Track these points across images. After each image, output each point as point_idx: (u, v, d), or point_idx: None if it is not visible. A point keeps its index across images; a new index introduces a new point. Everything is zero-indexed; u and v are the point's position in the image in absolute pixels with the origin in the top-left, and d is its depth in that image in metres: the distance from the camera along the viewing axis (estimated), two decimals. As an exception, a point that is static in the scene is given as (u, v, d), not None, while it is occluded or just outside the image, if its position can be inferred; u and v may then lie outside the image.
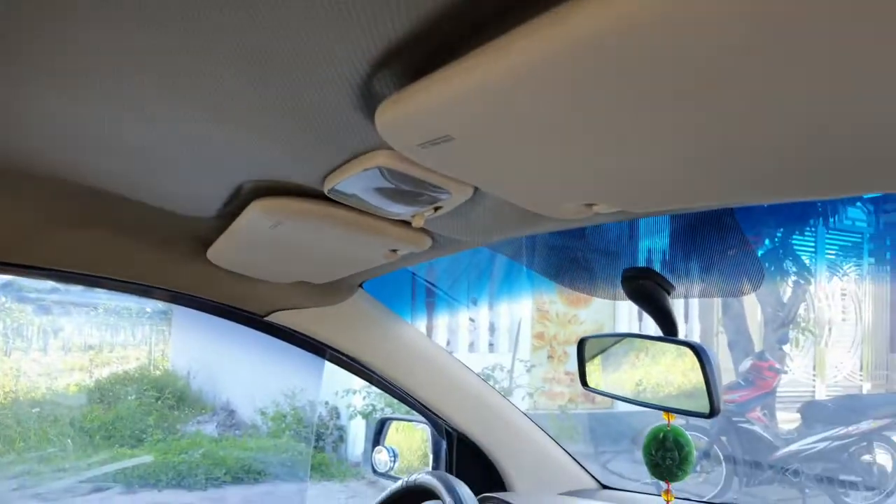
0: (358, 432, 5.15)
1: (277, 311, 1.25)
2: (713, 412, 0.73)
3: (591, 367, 0.91)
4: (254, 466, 4.55)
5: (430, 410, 1.40)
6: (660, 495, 1.17)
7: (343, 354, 1.33)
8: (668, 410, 0.77)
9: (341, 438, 5.32)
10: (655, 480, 0.80)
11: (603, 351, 0.91)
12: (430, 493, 1.07)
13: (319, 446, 5.28)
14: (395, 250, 0.91)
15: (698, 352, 0.76)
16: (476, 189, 0.66)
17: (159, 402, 5.74)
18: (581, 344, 0.92)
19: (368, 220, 0.81)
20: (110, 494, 4.05)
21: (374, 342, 1.36)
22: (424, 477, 1.09)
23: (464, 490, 1.01)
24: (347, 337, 1.32)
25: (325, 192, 0.73)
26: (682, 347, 0.76)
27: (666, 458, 0.75)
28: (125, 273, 1.12)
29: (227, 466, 4.45)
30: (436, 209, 0.71)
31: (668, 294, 0.77)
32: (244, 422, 5.80)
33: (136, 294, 1.22)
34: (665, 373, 0.82)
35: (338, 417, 5.37)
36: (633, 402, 0.90)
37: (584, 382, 0.92)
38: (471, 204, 0.71)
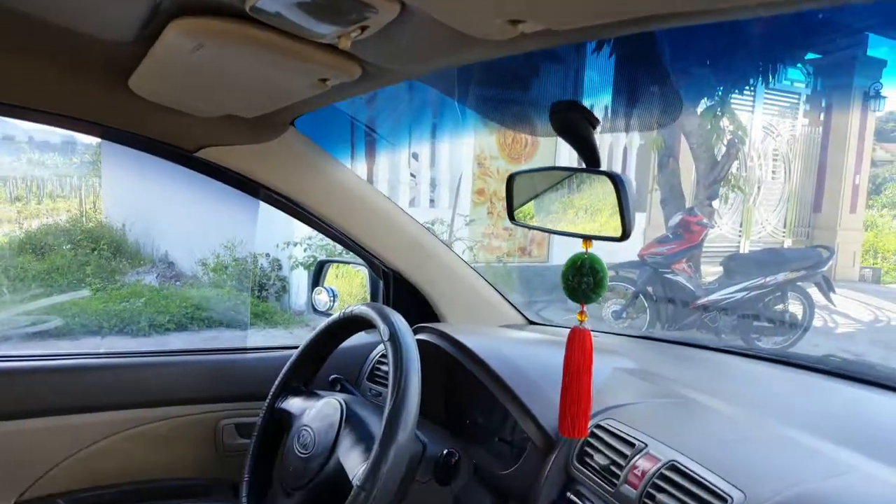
0: (300, 283, 5.24)
1: (207, 146, 1.22)
2: (624, 235, 0.77)
3: (518, 202, 0.94)
4: (197, 315, 4.62)
5: (365, 250, 1.43)
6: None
7: (276, 194, 1.32)
8: (584, 237, 0.81)
9: (284, 289, 5.41)
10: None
11: (530, 186, 0.93)
12: (366, 323, 1.11)
13: (263, 296, 5.38)
14: (324, 80, 0.88)
15: (616, 180, 0.78)
16: (403, 7, 0.64)
17: (95, 252, 5.65)
18: (510, 180, 0.94)
19: (295, 45, 0.77)
20: (51, 337, 4.07)
21: (307, 181, 1.35)
22: (360, 307, 1.13)
23: (397, 318, 1.05)
24: (280, 176, 1.31)
25: (247, 9, 0.69)
26: (601, 177, 0.79)
27: (582, 282, 0.79)
28: (40, 101, 1.06)
29: (171, 314, 4.50)
30: (362, 29, 0.69)
31: (593, 127, 0.78)
32: (185, 273, 5.81)
33: (58, 126, 1.16)
34: (585, 203, 0.86)
35: (280, 269, 5.43)
36: (554, 233, 0.94)
37: (511, 217, 0.95)
38: (399, 25, 0.68)
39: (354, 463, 0.97)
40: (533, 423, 1.00)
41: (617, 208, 0.77)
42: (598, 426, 0.95)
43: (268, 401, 1.21)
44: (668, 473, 0.80)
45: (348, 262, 1.69)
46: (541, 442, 1.00)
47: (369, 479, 0.89)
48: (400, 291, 1.48)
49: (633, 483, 0.83)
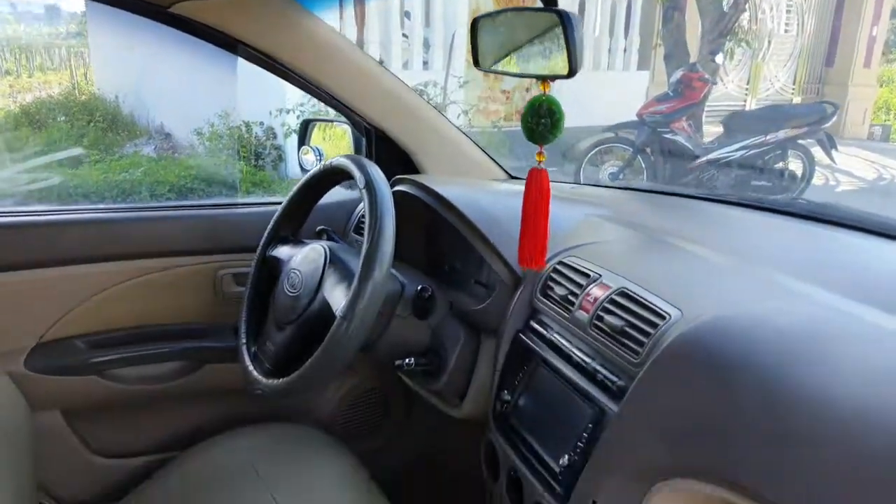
0: (295, 150, 5.25)
1: (181, 0, 1.22)
2: (570, 73, 0.80)
3: (483, 47, 0.95)
4: (196, 185, 4.67)
5: (347, 107, 1.45)
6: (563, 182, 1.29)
7: (254, 49, 1.33)
8: (536, 77, 0.83)
9: (280, 157, 5.43)
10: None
11: (493, 30, 0.94)
12: (345, 174, 1.17)
13: (259, 165, 5.40)
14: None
15: (562, 17, 0.80)
16: None
17: (91, 125, 5.63)
18: (474, 24, 0.94)
19: None
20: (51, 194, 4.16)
21: (287, 37, 1.35)
22: (339, 159, 1.18)
23: (373, 167, 1.10)
24: (256, 30, 1.31)
25: None
26: (552, 16, 0.80)
27: (539, 124, 0.83)
28: None
29: (171, 184, 4.56)
30: None
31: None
32: (181, 144, 5.81)
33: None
34: (539, 43, 0.87)
35: (274, 137, 5.42)
36: (512, 75, 0.97)
37: (476, 63, 0.96)
38: None
39: (337, 298, 1.05)
40: (501, 262, 1.08)
41: (564, 46, 0.79)
42: (561, 262, 1.02)
43: (259, 249, 1.29)
44: (616, 298, 0.88)
45: (332, 121, 1.71)
46: (508, 279, 1.09)
47: (349, 311, 0.98)
48: (382, 148, 1.52)
49: (586, 308, 0.91)
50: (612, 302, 0.88)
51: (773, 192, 5.56)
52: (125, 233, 1.38)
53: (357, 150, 1.60)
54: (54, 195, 4.13)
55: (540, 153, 0.87)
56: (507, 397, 1.02)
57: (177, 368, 1.45)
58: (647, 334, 0.80)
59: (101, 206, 1.40)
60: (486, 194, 1.27)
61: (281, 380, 1.07)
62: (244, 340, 1.24)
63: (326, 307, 1.07)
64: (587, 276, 0.95)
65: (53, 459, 1.37)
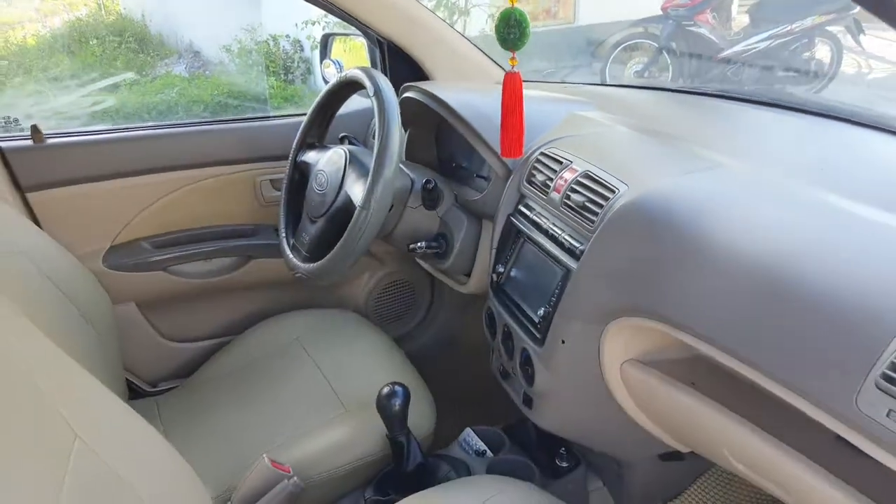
0: (322, 63, 5.33)
1: None
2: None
3: None
4: (230, 103, 4.85)
5: (359, 21, 1.60)
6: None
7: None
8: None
9: (308, 70, 5.53)
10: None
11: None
12: (358, 84, 1.34)
13: (289, 79, 5.53)
14: None
15: None
16: None
17: (122, 46, 5.78)
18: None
19: None
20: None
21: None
22: (352, 71, 1.35)
23: (381, 77, 1.27)
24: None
25: None
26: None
27: (510, 33, 0.98)
28: None
29: (205, 103, 4.75)
30: None
31: None
32: (211, 61, 5.94)
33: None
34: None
35: (301, 50, 5.51)
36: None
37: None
38: None
39: (357, 193, 1.26)
40: (494, 156, 1.26)
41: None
42: (542, 153, 1.20)
43: (290, 156, 1.49)
44: (581, 179, 1.06)
45: (349, 34, 1.86)
46: (501, 171, 1.27)
47: (366, 202, 1.18)
48: (394, 59, 1.68)
49: (559, 189, 1.10)
50: (578, 183, 1.06)
51: (799, 83, 5.48)
52: (174, 147, 1.60)
53: (372, 61, 1.76)
54: (109, 117, 4.37)
55: (512, 58, 1.03)
56: (501, 270, 1.23)
57: (229, 264, 1.69)
58: (601, 206, 0.99)
59: (150, 124, 1.61)
60: (483, 96, 1.43)
61: (315, 263, 1.29)
62: (283, 234, 1.46)
63: (349, 201, 1.28)
64: (560, 162, 1.13)
65: (132, 344, 1.64)
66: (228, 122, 1.67)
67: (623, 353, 1.01)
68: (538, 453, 1.32)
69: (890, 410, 0.64)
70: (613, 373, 1.03)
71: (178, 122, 1.68)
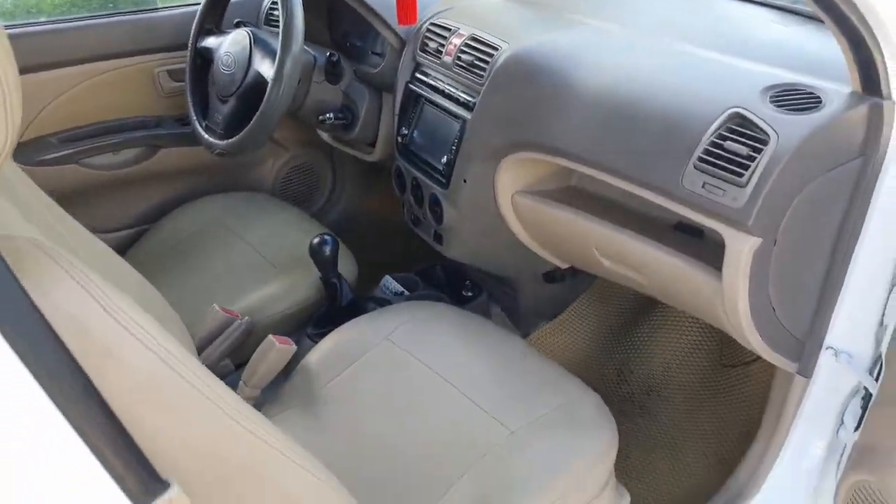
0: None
1: None
2: None
3: None
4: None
5: None
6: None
7: None
8: None
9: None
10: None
11: None
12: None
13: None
14: None
15: None
16: None
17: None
18: None
19: None
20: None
21: None
22: None
23: None
24: None
25: None
26: None
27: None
28: None
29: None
30: None
31: None
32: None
33: None
34: None
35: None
36: None
37: None
38: None
39: (266, 69, 1.37)
40: (388, 29, 1.41)
41: None
42: (433, 23, 1.36)
43: (190, 43, 1.56)
44: (469, 42, 1.25)
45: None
46: (396, 43, 1.43)
47: (278, 75, 1.31)
48: None
49: (450, 53, 1.28)
50: (466, 45, 1.25)
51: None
52: (69, 42, 1.61)
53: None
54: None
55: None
56: (405, 132, 1.41)
57: (137, 155, 1.76)
58: (487, 62, 1.18)
59: (44, 19, 1.61)
60: None
61: (234, 138, 1.41)
62: (194, 117, 1.55)
63: (259, 77, 1.39)
64: (449, 30, 1.31)
65: None
66: (120, 14, 1.69)
67: (513, 186, 1.24)
68: (447, 289, 1.56)
69: (705, 182, 0.90)
70: (506, 203, 1.26)
71: (70, 17, 1.68)
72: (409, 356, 1.12)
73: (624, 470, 1.38)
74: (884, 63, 0.83)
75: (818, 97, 0.89)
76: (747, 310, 0.95)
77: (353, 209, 2.12)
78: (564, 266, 1.42)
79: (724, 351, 1.45)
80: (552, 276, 1.50)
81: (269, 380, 1.13)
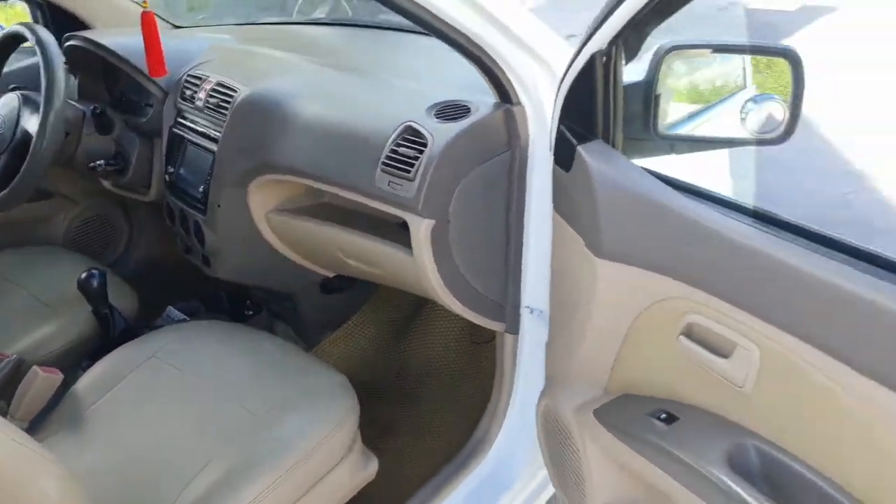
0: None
1: None
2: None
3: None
4: None
5: None
6: None
7: None
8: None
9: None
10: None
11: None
12: (21, 37, 1.55)
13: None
14: None
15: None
16: None
17: None
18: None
19: None
20: None
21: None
22: (14, 26, 1.56)
23: (40, 28, 1.50)
24: None
25: None
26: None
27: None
28: None
29: None
30: None
31: None
32: None
33: None
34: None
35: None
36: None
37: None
38: None
39: (33, 125, 1.49)
40: (153, 84, 1.59)
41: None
42: (190, 74, 1.55)
43: None
44: (216, 87, 1.45)
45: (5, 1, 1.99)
46: (160, 94, 1.60)
47: (41, 131, 1.43)
48: (56, 14, 1.86)
49: (202, 98, 1.48)
50: (213, 90, 1.45)
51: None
52: None
53: (34, 19, 1.92)
54: None
55: (145, 2, 1.36)
56: (171, 170, 1.57)
57: None
58: (228, 102, 1.39)
59: None
60: (133, 36, 1.69)
61: (3, 192, 1.50)
62: None
63: (27, 133, 1.50)
64: (201, 79, 1.50)
65: None
66: None
67: (265, 206, 1.44)
68: (230, 310, 1.72)
69: (389, 181, 1.14)
70: (262, 221, 1.45)
71: None
72: (173, 368, 1.24)
73: (394, 448, 1.56)
74: (505, 76, 1.11)
75: (468, 108, 1.16)
76: (440, 280, 1.19)
77: (153, 252, 2.21)
78: (330, 274, 1.62)
79: (472, 331, 1.71)
80: (328, 286, 1.69)
81: (37, 410, 1.18)
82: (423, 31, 1.08)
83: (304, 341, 1.78)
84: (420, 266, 1.17)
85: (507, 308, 1.28)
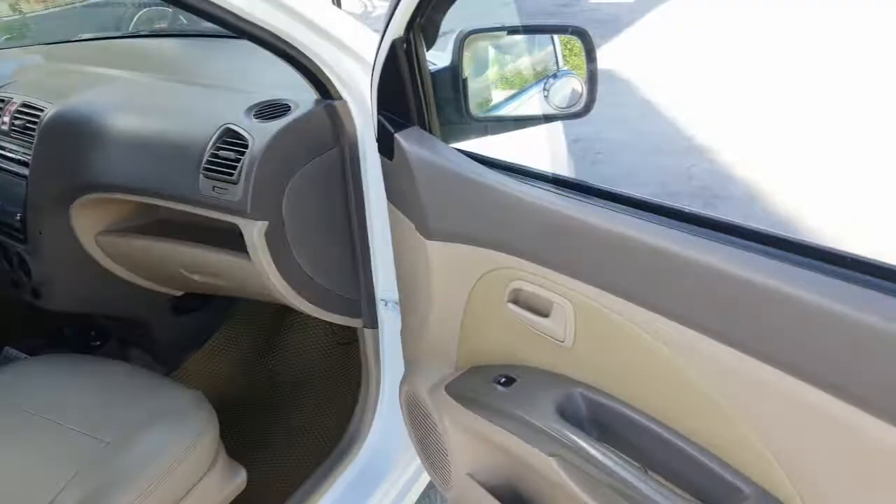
0: None
1: None
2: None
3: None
4: None
5: None
6: None
7: None
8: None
9: None
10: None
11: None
12: None
13: None
14: None
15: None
16: None
17: None
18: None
19: None
20: None
21: None
22: None
23: None
24: None
25: None
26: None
27: None
28: None
29: None
30: None
31: None
32: None
33: None
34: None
35: None
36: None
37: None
38: None
39: None
40: None
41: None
42: None
43: None
44: (21, 108, 1.35)
45: None
46: None
47: None
48: None
49: (5, 122, 1.37)
50: (19, 111, 1.35)
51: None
52: None
53: None
54: None
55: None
56: None
57: None
58: (35, 123, 1.30)
59: None
60: None
61: None
62: None
63: None
64: (4, 101, 1.40)
65: None
66: None
67: (94, 228, 1.36)
68: (74, 343, 1.61)
69: (214, 186, 1.11)
70: (91, 244, 1.37)
71: None
72: (9, 407, 1.15)
73: (269, 459, 1.53)
74: (321, 72, 1.10)
75: (288, 106, 1.14)
76: (283, 282, 1.17)
77: None
78: (178, 293, 1.55)
79: (337, 333, 1.70)
80: (180, 307, 1.62)
81: None
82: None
83: (163, 366, 1.70)
84: (260, 270, 1.15)
85: (363, 303, 1.28)
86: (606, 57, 4.63)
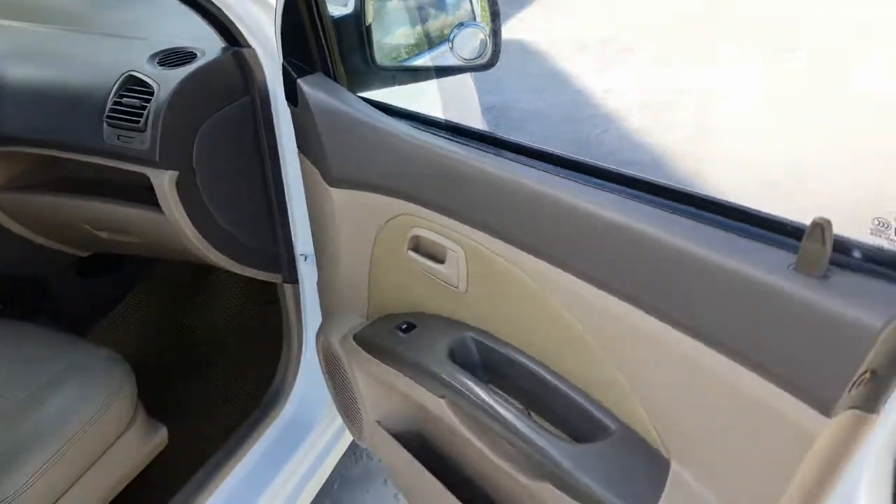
0: None
1: None
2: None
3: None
4: None
5: None
6: None
7: None
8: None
9: None
10: None
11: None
12: None
13: None
14: None
15: None
16: None
17: None
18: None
19: None
20: None
21: None
22: None
23: None
24: None
25: None
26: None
27: None
28: None
29: None
30: None
31: None
32: None
33: None
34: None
35: None
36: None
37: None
38: None
39: None
40: None
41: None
42: None
43: None
44: None
45: None
46: None
47: None
48: None
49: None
50: None
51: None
52: None
53: None
54: None
55: None
56: None
57: None
58: None
59: None
60: None
61: None
62: None
63: None
64: None
65: None
66: None
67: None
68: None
69: (119, 135, 1.08)
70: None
71: None
72: None
73: (191, 422, 1.51)
74: (227, 18, 1.08)
75: (194, 53, 1.12)
76: (197, 234, 1.16)
77: None
78: (84, 254, 1.50)
79: (249, 292, 1.68)
80: (87, 269, 1.56)
81: None
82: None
83: (72, 331, 1.64)
84: (172, 222, 1.13)
85: (282, 258, 1.27)
86: (520, 26, 4.69)
